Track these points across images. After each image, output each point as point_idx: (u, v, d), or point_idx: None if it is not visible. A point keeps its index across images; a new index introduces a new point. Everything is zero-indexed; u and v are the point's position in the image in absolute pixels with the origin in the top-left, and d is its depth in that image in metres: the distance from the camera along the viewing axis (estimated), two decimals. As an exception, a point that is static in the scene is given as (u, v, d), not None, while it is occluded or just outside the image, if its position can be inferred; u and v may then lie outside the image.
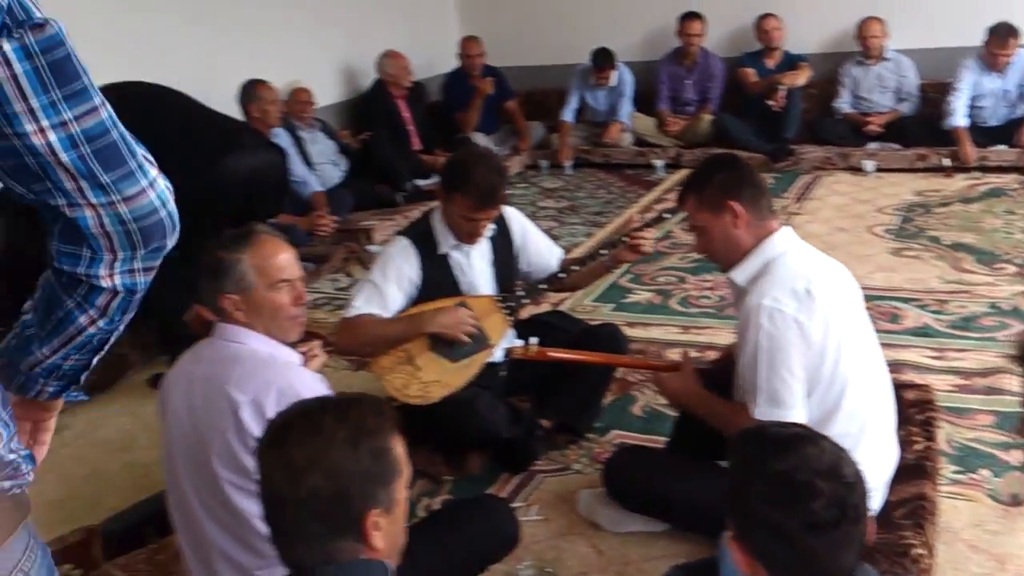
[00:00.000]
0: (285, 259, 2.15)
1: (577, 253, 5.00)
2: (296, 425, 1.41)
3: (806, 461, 1.39)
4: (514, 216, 3.25)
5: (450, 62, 7.54)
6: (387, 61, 6.75)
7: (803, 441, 1.43)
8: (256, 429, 1.97)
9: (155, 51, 5.04)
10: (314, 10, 6.66)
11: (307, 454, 1.37)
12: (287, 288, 2.13)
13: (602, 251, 3.11)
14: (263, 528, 2.00)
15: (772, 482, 1.38)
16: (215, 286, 2.09)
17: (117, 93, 3.82)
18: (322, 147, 6.04)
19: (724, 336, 3.97)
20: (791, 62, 6.98)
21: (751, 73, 7.02)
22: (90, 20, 4.82)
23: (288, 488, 1.37)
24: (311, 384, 2.03)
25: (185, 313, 3.74)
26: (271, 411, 1.96)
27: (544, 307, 4.10)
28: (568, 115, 7.47)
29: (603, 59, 7.18)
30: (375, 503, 1.41)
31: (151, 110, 3.73)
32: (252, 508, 2.02)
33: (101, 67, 4.07)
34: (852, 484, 1.39)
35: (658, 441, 3.09)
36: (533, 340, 2.64)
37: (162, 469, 2.21)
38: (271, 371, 2.04)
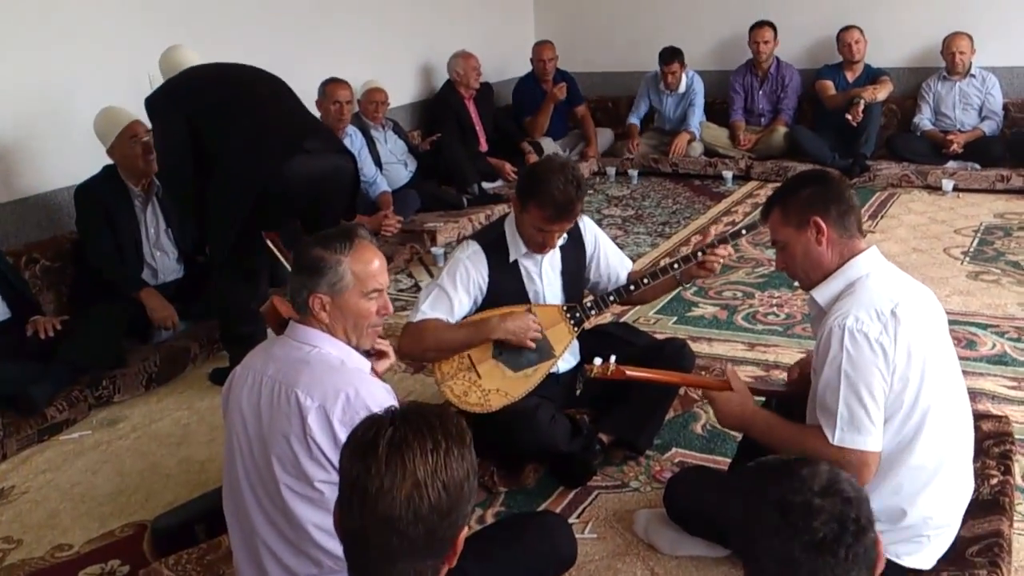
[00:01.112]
0: (380, 267, 2.12)
1: (642, 264, 4.95)
2: (412, 439, 1.37)
3: (802, 482, 1.34)
4: (589, 226, 3.20)
5: (523, 66, 7.53)
6: (457, 60, 6.74)
7: (798, 464, 1.38)
8: (321, 437, 1.95)
9: (240, 49, 5.11)
10: (393, 11, 6.70)
11: (430, 469, 1.34)
12: (377, 297, 2.11)
13: (674, 266, 3.03)
14: (318, 535, 1.99)
15: (771, 510, 1.34)
16: (308, 283, 2.06)
17: (217, 76, 3.76)
18: (392, 147, 6.05)
19: (790, 355, 3.87)
20: (871, 76, 6.83)
21: (829, 86, 6.89)
22: (176, 18, 4.92)
23: (406, 504, 1.33)
24: (379, 394, 1.99)
25: (245, 310, 3.77)
26: (336, 419, 1.94)
27: (607, 317, 4.04)
28: (634, 119, 7.51)
29: (669, 55, 7.14)
30: (468, 519, 1.41)
31: (237, 103, 3.73)
32: (308, 514, 2.00)
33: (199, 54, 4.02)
34: (851, 499, 1.33)
35: (720, 462, 3.03)
36: (612, 358, 2.57)
37: (223, 466, 2.20)
38: (340, 378, 2.01)
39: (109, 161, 4.11)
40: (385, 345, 2.34)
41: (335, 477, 1.89)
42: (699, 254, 3.01)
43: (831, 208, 2.27)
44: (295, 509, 2.00)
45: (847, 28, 6.83)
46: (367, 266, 2.08)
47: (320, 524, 2.00)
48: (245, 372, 2.13)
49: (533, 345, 2.91)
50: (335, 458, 1.94)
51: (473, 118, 6.83)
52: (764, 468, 1.42)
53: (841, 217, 2.27)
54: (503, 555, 2.18)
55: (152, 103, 3.78)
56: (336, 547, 1.96)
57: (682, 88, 7.26)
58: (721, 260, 3.02)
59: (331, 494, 1.92)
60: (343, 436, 1.89)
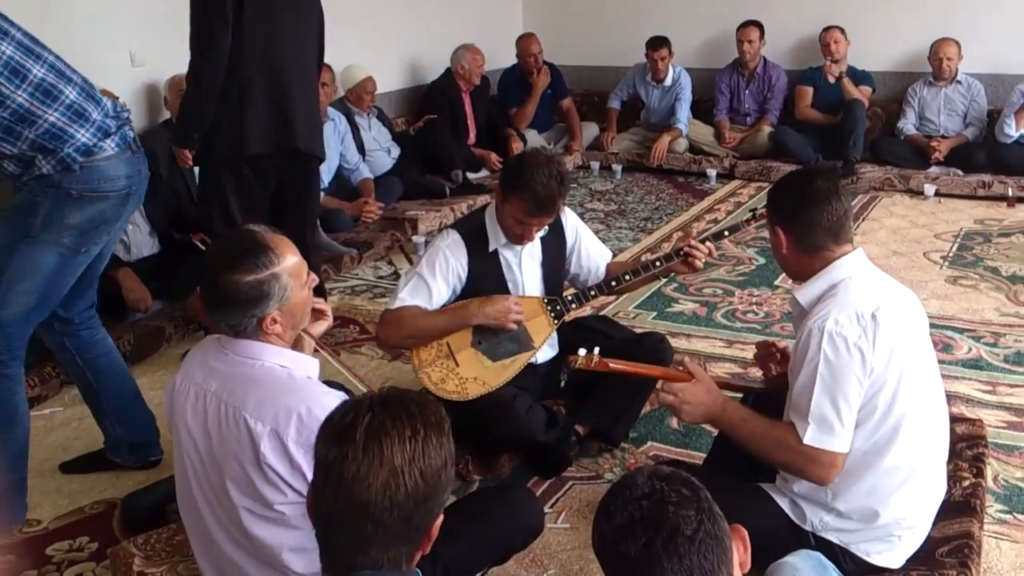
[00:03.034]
0: (294, 248, 2.00)
1: (624, 257, 4.95)
2: (390, 426, 1.35)
3: (629, 476, 1.35)
4: (570, 218, 3.19)
5: (509, 57, 7.50)
6: (464, 54, 6.69)
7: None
8: (276, 461, 1.85)
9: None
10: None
11: (408, 456, 1.34)
12: (308, 278, 2.03)
13: (656, 263, 3.02)
14: (282, 553, 1.90)
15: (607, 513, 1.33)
16: (254, 311, 1.91)
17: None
18: (376, 134, 6.02)
19: (769, 354, 3.88)
20: (856, 78, 6.83)
21: (807, 94, 6.95)
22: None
23: (383, 491, 1.32)
24: (332, 407, 1.92)
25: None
26: (292, 441, 1.84)
27: (587, 310, 4.02)
28: (615, 102, 7.54)
29: (658, 41, 7.15)
30: (443, 507, 1.40)
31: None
32: (271, 533, 1.91)
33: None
34: (669, 476, 1.33)
35: (695, 457, 3.03)
36: (596, 349, 2.54)
37: (176, 472, 2.09)
38: (291, 396, 1.89)
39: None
40: (322, 304, 2.22)
41: (294, 499, 1.84)
42: (681, 252, 3.00)
43: (795, 222, 2.27)
44: (257, 530, 1.91)
45: (828, 28, 6.85)
46: (291, 260, 1.96)
47: (284, 542, 1.91)
48: (186, 383, 2.00)
49: (515, 327, 2.87)
50: (293, 482, 1.87)
51: (467, 111, 6.80)
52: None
53: (806, 232, 2.26)
54: (469, 529, 2.15)
55: None
56: (302, 563, 1.90)
57: (668, 81, 7.24)
58: (704, 256, 3.00)
59: (292, 514, 1.86)
60: (300, 458, 1.82)
